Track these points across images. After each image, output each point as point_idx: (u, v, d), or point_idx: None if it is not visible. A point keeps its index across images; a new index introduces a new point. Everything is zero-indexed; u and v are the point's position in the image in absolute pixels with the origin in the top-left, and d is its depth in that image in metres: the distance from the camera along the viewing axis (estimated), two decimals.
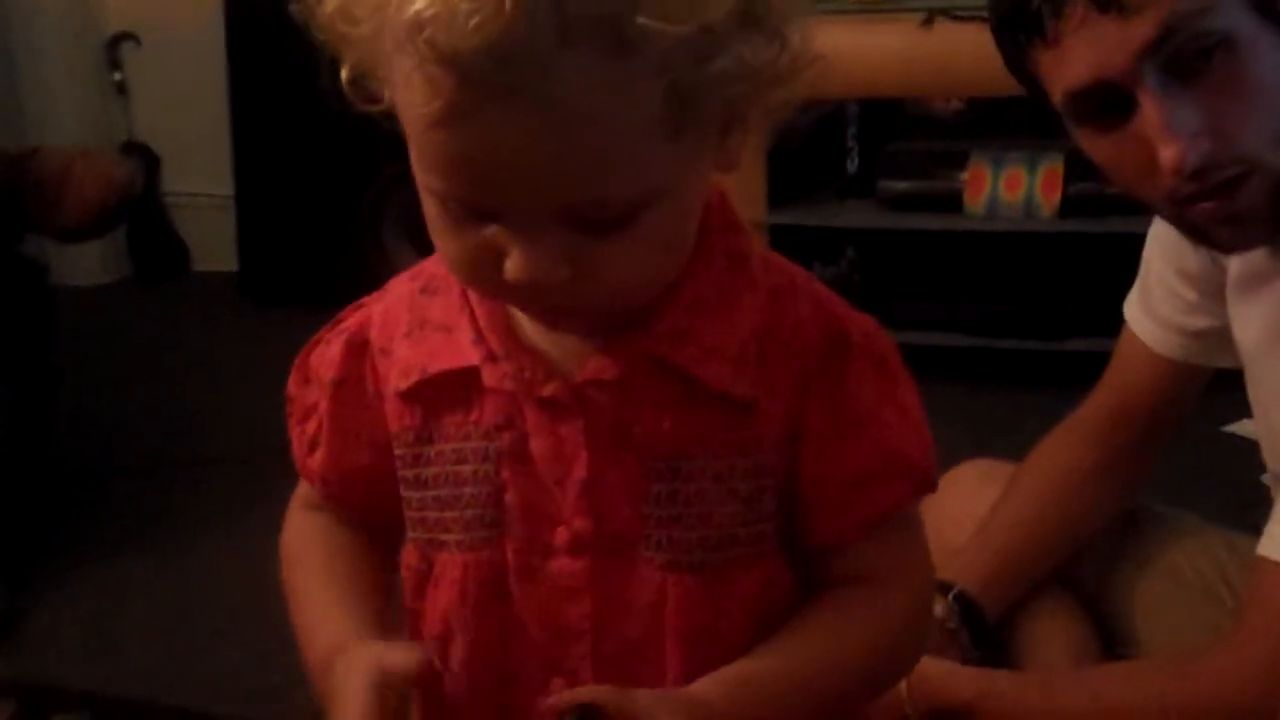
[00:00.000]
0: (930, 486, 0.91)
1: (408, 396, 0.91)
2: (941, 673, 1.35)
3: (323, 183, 3.59)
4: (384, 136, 2.68)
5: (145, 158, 3.92)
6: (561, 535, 0.88)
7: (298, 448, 0.99)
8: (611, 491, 0.87)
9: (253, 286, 3.85)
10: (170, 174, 4.00)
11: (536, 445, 0.87)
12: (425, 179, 0.79)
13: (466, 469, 0.89)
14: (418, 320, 0.92)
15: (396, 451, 0.93)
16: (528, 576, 0.89)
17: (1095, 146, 1.20)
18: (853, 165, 3.44)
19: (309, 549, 1.01)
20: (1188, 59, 1.11)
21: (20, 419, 2.68)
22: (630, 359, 0.86)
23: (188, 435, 2.97)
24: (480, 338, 0.88)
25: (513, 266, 0.78)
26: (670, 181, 0.78)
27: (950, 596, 1.43)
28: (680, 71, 0.74)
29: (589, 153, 0.74)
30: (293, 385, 0.98)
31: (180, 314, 3.86)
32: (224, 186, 3.90)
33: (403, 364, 0.91)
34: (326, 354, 0.96)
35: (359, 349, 0.94)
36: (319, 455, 0.97)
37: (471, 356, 0.88)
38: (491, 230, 0.78)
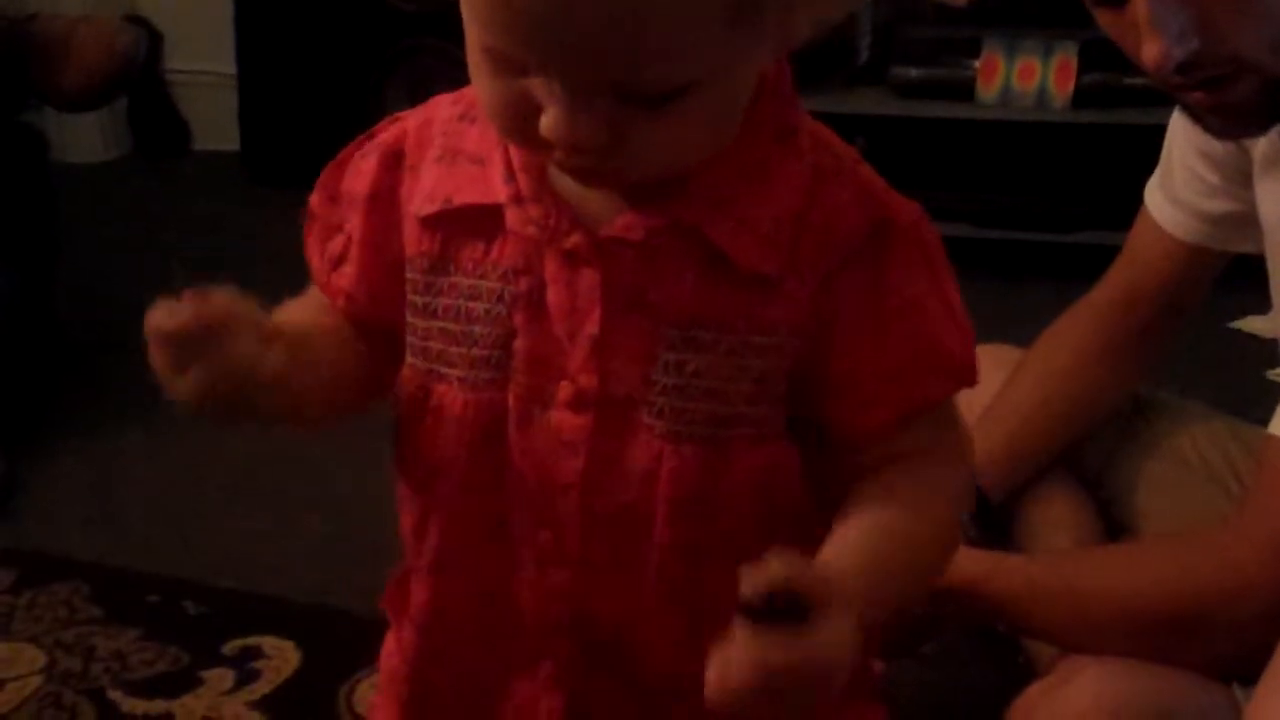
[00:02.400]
0: (971, 380, 0.89)
1: (428, 223, 0.89)
2: None
3: (326, 62, 3.56)
4: (389, 14, 2.69)
5: (148, 32, 3.87)
6: (565, 389, 0.86)
7: (318, 265, 0.95)
8: (621, 352, 0.85)
9: (254, 166, 3.82)
10: (172, 51, 3.93)
11: (553, 295, 0.86)
12: (471, 26, 0.77)
13: (479, 306, 0.88)
14: (451, 147, 0.89)
15: (408, 275, 0.91)
16: (526, 424, 0.87)
17: (1104, 22, 1.18)
18: (864, 52, 3.40)
19: (304, 304, 0.97)
20: None
21: (20, 290, 2.67)
22: (660, 221, 0.83)
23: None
24: (511, 176, 0.86)
25: (549, 124, 0.76)
26: (723, 65, 0.76)
27: None
28: None
29: (647, 27, 0.71)
30: (316, 201, 0.95)
31: (181, 192, 3.83)
32: (226, 65, 3.86)
33: (428, 189, 0.89)
34: (361, 167, 0.93)
35: (394, 161, 0.92)
36: (347, 271, 0.94)
37: (499, 194, 0.86)
38: (533, 82, 0.76)
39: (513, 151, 0.86)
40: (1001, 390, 1.49)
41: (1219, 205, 1.38)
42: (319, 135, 3.57)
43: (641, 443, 0.86)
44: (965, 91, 2.93)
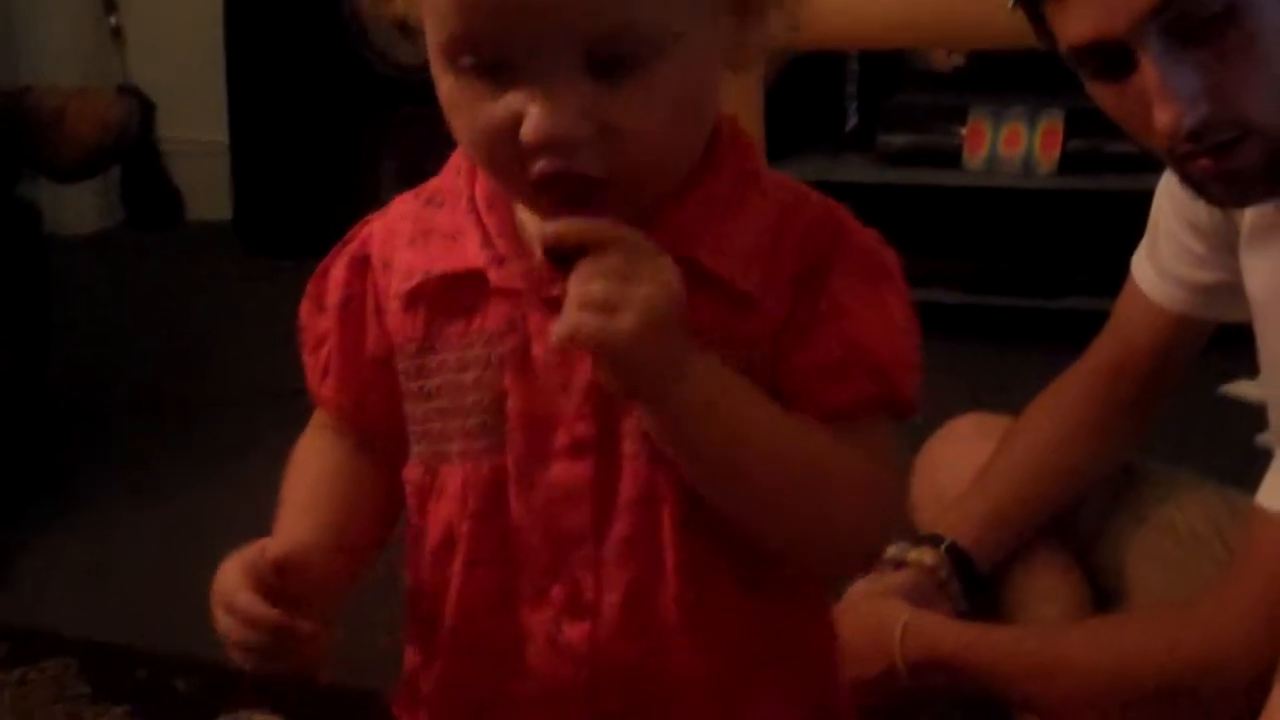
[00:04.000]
0: (900, 399, 0.88)
1: (410, 303, 0.91)
2: (933, 623, 1.36)
3: (318, 131, 3.58)
4: (381, 83, 2.71)
5: (140, 103, 3.89)
6: (563, 438, 0.87)
7: (311, 376, 0.98)
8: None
9: (247, 234, 3.84)
10: (165, 120, 3.95)
11: (539, 349, 0.87)
12: (443, 40, 0.80)
13: (469, 377, 0.89)
14: (422, 230, 0.92)
15: (400, 366, 0.92)
16: (527, 483, 0.89)
17: (1100, 96, 1.20)
18: (852, 119, 3.43)
19: (306, 461, 1.00)
20: (1191, 23, 1.10)
21: (12, 363, 2.67)
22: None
23: (181, 381, 2.97)
24: (488, 242, 0.88)
25: (531, 126, 0.78)
26: (686, 29, 0.80)
27: (943, 548, 1.43)
28: None
29: None
30: (305, 313, 0.98)
31: (174, 261, 3.84)
32: (219, 133, 3.88)
33: (405, 268, 0.92)
34: (333, 275, 0.95)
35: (361, 266, 0.94)
36: (330, 381, 0.96)
37: (478, 259, 0.88)
38: (510, 96, 0.79)
39: (487, 221, 0.89)
40: (990, 459, 1.50)
41: (1206, 275, 1.39)
42: (312, 204, 3.63)
43: (632, 472, 0.87)
44: (952, 158, 2.96)
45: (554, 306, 0.84)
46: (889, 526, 0.95)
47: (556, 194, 0.81)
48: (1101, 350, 1.51)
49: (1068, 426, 1.50)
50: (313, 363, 0.97)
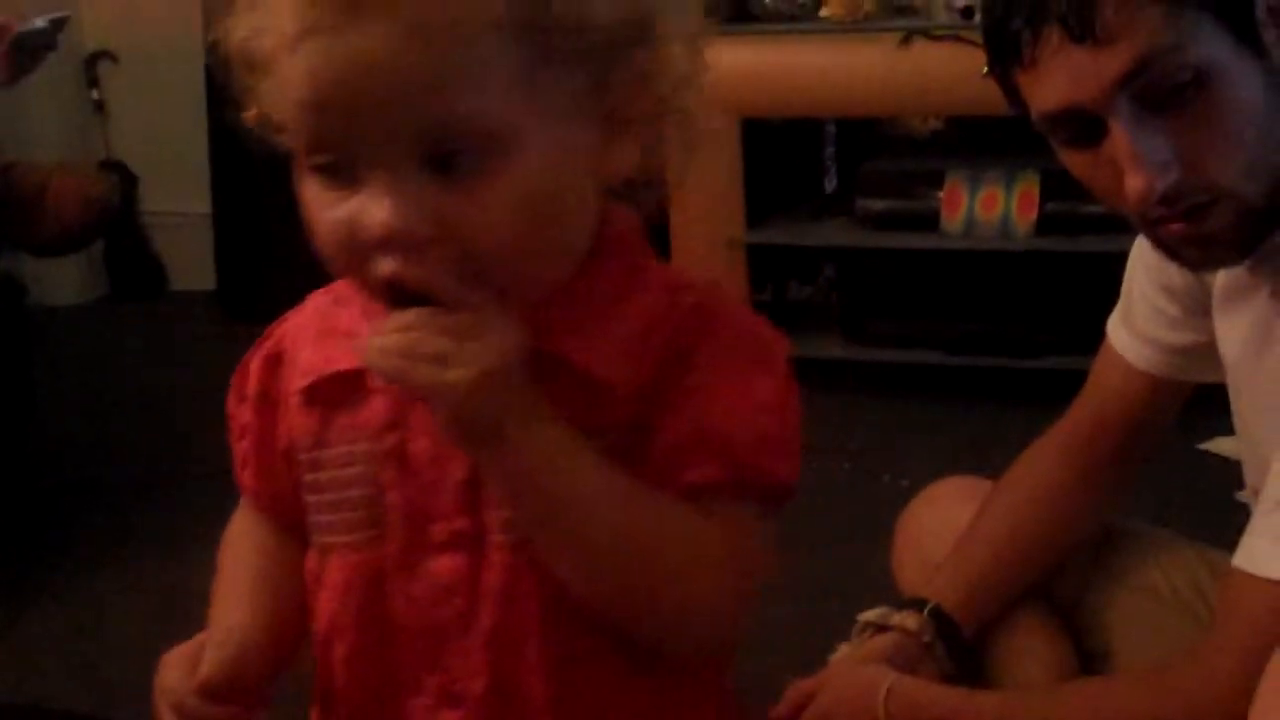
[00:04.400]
0: (762, 483, 0.88)
1: (307, 399, 0.94)
2: (918, 687, 1.36)
3: (300, 202, 3.59)
4: None
5: (123, 176, 3.91)
6: (440, 532, 0.89)
7: (235, 463, 1.01)
8: (488, 488, 0.88)
9: (230, 305, 3.85)
10: (148, 192, 3.99)
11: (417, 446, 0.89)
12: (296, 142, 0.82)
13: (353, 472, 0.92)
14: (327, 327, 0.95)
15: (300, 458, 0.95)
16: (406, 576, 0.91)
17: (1071, 162, 1.22)
18: (830, 184, 3.45)
19: (240, 542, 1.03)
20: (1161, 91, 1.12)
21: None
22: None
23: (165, 453, 2.96)
24: None
25: (369, 223, 0.79)
26: (525, 128, 0.80)
27: (926, 612, 1.44)
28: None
29: (437, 60, 0.77)
30: (230, 404, 1.01)
31: (158, 332, 3.84)
32: (202, 205, 3.90)
33: (305, 366, 0.94)
34: (251, 368, 0.98)
35: (274, 362, 0.97)
36: (249, 470, 1.00)
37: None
38: (356, 198, 0.80)
39: (349, 318, 0.92)
40: (971, 523, 1.50)
41: (1181, 337, 1.40)
42: (293, 274, 3.61)
43: (500, 564, 0.89)
44: (930, 222, 2.98)
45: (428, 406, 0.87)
46: (741, 613, 0.90)
47: (402, 298, 0.81)
48: (1079, 413, 1.52)
49: (1047, 489, 1.50)
50: (236, 451, 1.00)
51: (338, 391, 0.92)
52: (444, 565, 0.90)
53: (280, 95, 0.82)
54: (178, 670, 0.93)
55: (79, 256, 3.61)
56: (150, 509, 2.67)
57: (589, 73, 0.83)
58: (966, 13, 2.80)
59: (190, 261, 3.96)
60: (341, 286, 0.94)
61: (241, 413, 0.99)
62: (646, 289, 0.90)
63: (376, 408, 0.91)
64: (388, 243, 0.79)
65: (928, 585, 1.47)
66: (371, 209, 0.79)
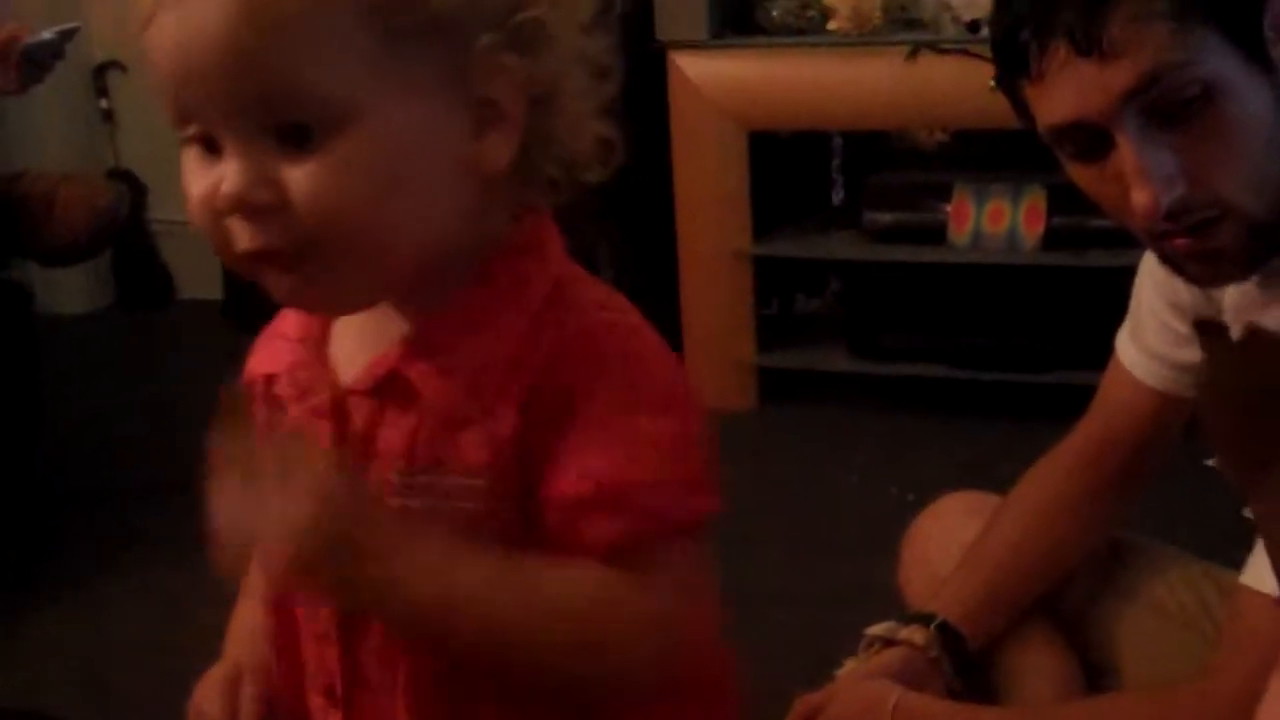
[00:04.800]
0: (673, 523, 0.86)
1: (257, 400, 0.96)
2: (924, 703, 1.36)
3: None
4: None
5: (131, 185, 3.92)
6: None
7: None
8: None
9: (237, 315, 3.85)
10: (156, 202, 3.99)
11: None
12: (168, 113, 0.83)
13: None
14: (274, 329, 0.97)
15: None
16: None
17: (1078, 176, 1.22)
18: (837, 197, 3.45)
19: None
20: (1168, 106, 1.12)
21: (3, 443, 2.68)
22: (381, 370, 0.88)
23: (170, 461, 2.95)
24: (295, 347, 0.94)
25: (225, 189, 0.81)
26: (370, 102, 0.81)
27: (933, 627, 1.44)
28: None
29: (271, 31, 0.78)
30: None
31: (164, 341, 3.86)
32: None
33: (250, 368, 0.98)
34: None
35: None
36: None
37: (281, 364, 0.94)
38: (217, 168, 0.81)
39: (295, 322, 0.94)
40: (978, 538, 1.50)
41: (1189, 353, 1.40)
42: None
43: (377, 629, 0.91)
44: (937, 235, 2.98)
45: (317, 414, 0.90)
46: (671, 654, 0.89)
47: (261, 265, 0.84)
48: (1086, 428, 1.52)
49: (1054, 504, 1.50)
50: None
51: (267, 393, 0.95)
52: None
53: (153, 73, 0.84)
54: (219, 700, 0.97)
55: (87, 265, 3.61)
56: (154, 516, 2.65)
57: (446, 52, 0.83)
58: (973, 26, 2.80)
59: (198, 271, 3.96)
60: None
61: None
62: (521, 309, 0.87)
63: (290, 413, 0.93)
64: (234, 210, 0.81)
65: (934, 599, 1.47)
66: (224, 177, 0.81)
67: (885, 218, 3.04)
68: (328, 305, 0.89)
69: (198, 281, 3.99)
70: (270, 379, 0.95)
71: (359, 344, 0.91)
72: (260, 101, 0.79)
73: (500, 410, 0.85)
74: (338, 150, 0.80)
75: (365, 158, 0.81)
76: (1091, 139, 1.16)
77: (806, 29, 3.01)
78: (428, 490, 0.87)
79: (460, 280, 0.88)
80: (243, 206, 0.81)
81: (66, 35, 2.64)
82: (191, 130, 0.83)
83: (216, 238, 0.84)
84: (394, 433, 0.88)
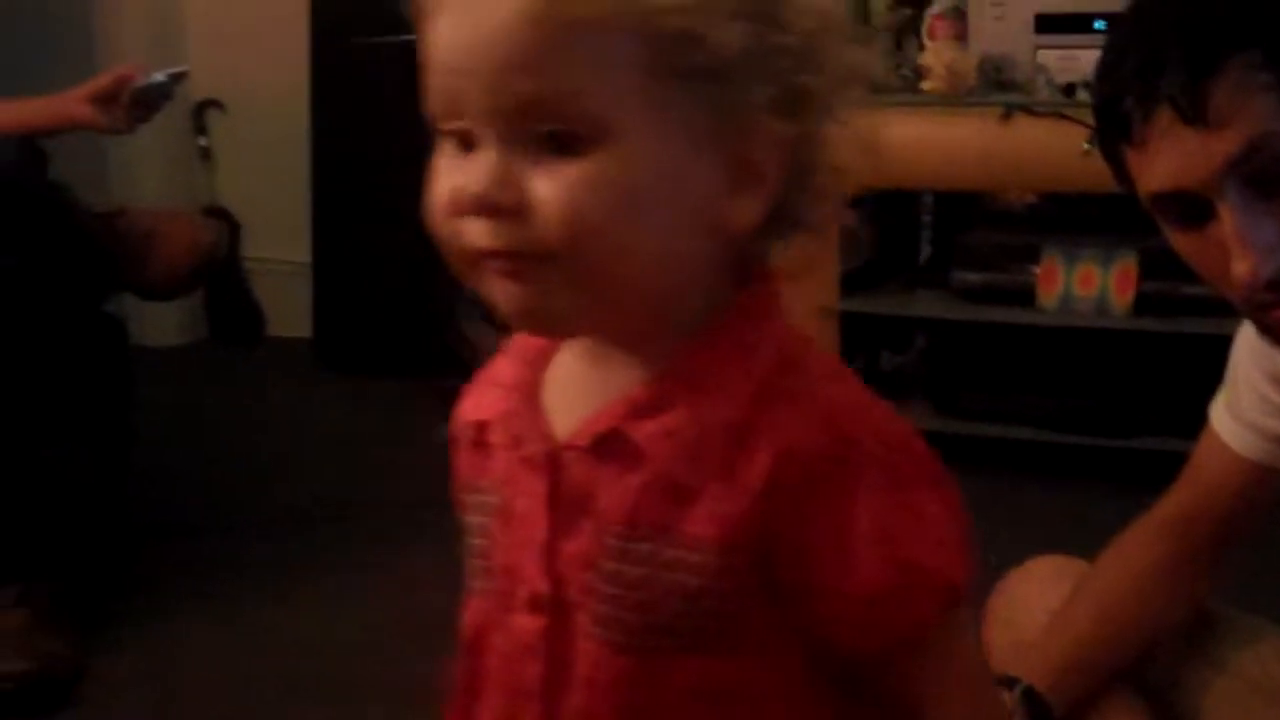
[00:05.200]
0: (956, 598, 0.87)
1: (461, 444, 0.96)
2: None
3: (400, 254, 3.62)
4: None
5: (228, 224, 3.98)
6: (523, 591, 0.90)
7: None
8: (567, 559, 0.88)
9: (326, 353, 3.90)
10: (250, 239, 4.05)
11: (519, 504, 0.91)
12: (430, 107, 0.84)
13: (479, 520, 0.94)
14: (487, 376, 0.97)
15: (459, 497, 0.98)
16: (498, 629, 0.92)
17: (1177, 243, 1.22)
18: (924, 254, 3.45)
19: None
20: (1271, 176, 1.12)
21: (94, 473, 2.72)
22: (603, 427, 0.87)
23: (252, 497, 3.00)
24: (508, 395, 0.93)
25: (470, 185, 0.81)
26: (634, 128, 0.81)
27: (1018, 691, 1.43)
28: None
29: (553, 35, 0.79)
30: None
31: (253, 377, 3.90)
32: (302, 254, 3.96)
33: (462, 415, 0.97)
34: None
35: (461, 404, 0.99)
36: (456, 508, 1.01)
37: (494, 410, 0.94)
38: (465, 165, 0.82)
39: (519, 371, 0.93)
40: (1066, 603, 1.49)
41: None
42: (390, 326, 3.68)
43: (584, 650, 0.88)
44: (1026, 297, 2.97)
45: (530, 465, 0.89)
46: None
47: (486, 270, 0.83)
48: (1178, 497, 1.51)
49: (1143, 573, 1.49)
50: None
51: (477, 439, 0.95)
52: (523, 624, 0.90)
53: (426, 66, 0.85)
54: None
55: (180, 299, 3.68)
56: (236, 552, 2.69)
57: (713, 103, 0.83)
58: (1069, 90, 2.80)
59: (288, 309, 4.02)
60: (516, 338, 0.96)
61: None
62: (749, 373, 0.86)
63: (499, 461, 0.93)
64: (478, 208, 0.81)
65: (1019, 664, 1.46)
66: (472, 174, 0.82)
67: (974, 277, 3.04)
68: (549, 321, 0.87)
69: (288, 319, 4.03)
70: (481, 425, 0.94)
71: (576, 397, 0.89)
72: (535, 103, 0.80)
73: (734, 484, 0.83)
74: (594, 165, 0.80)
75: (617, 179, 0.81)
76: (1192, 207, 1.16)
77: (901, 88, 3.01)
78: (648, 559, 0.85)
79: (685, 340, 0.87)
80: (487, 205, 0.81)
81: (176, 78, 2.70)
82: (452, 125, 0.83)
83: (452, 236, 0.84)
84: (614, 494, 0.86)
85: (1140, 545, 1.51)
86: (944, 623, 0.87)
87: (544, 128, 0.80)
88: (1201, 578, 1.51)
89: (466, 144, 0.83)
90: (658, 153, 0.82)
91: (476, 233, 0.82)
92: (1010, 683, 1.44)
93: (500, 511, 0.92)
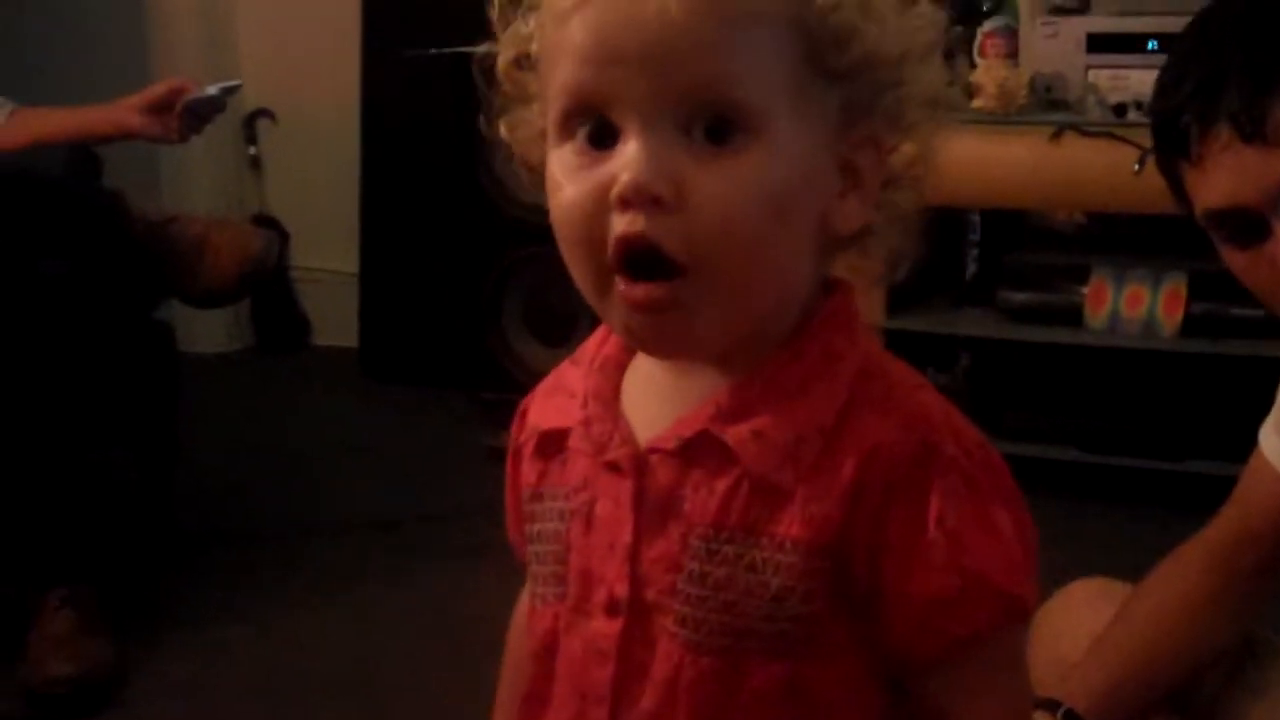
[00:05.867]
0: (1022, 613, 0.88)
1: (530, 452, 0.96)
2: None
3: (446, 266, 3.65)
4: (507, 223, 2.76)
5: (277, 233, 4.02)
6: (600, 595, 0.90)
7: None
8: (652, 561, 0.88)
9: (371, 363, 3.91)
10: (298, 248, 4.08)
11: (601, 508, 0.91)
12: (561, 107, 0.84)
13: (551, 526, 0.94)
14: (555, 385, 0.97)
15: (524, 508, 0.97)
16: (571, 634, 0.92)
17: (1232, 260, 1.21)
18: (970, 272, 3.44)
19: (511, 637, 1.06)
20: None
21: (139, 477, 2.74)
22: (692, 431, 0.87)
23: (297, 506, 3.01)
24: (585, 403, 0.93)
25: (624, 175, 0.80)
26: (781, 122, 0.81)
27: (1059, 714, 1.42)
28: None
29: (717, 25, 0.79)
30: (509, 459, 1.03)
31: (299, 385, 3.92)
32: (349, 264, 3.98)
33: (533, 420, 0.97)
34: (512, 425, 1.01)
35: (522, 415, 0.99)
36: (509, 521, 1.01)
37: (571, 419, 0.93)
38: (610, 163, 0.81)
39: (594, 380, 0.93)
40: (1109, 627, 1.48)
41: None
42: (435, 336, 3.69)
43: (665, 651, 0.88)
44: (1073, 317, 2.95)
45: (614, 470, 0.89)
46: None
47: (631, 264, 0.82)
48: (1225, 521, 1.49)
49: (1188, 598, 1.48)
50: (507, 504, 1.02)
51: (550, 447, 0.95)
52: (599, 629, 0.90)
53: (549, 74, 0.84)
54: None
55: (227, 307, 3.71)
56: (278, 561, 2.69)
57: (841, 102, 0.84)
58: (1120, 110, 2.78)
59: (335, 318, 4.04)
60: (581, 348, 0.96)
61: (508, 465, 1.01)
62: (836, 379, 0.87)
63: (576, 467, 0.93)
64: (631, 198, 0.80)
65: (1061, 687, 1.45)
66: (625, 164, 0.81)
67: (1020, 297, 3.02)
68: (680, 336, 0.86)
69: (334, 328, 4.06)
70: (556, 434, 0.94)
71: (657, 404, 0.90)
72: (698, 89, 0.80)
73: (824, 486, 0.85)
74: (750, 156, 0.81)
75: (770, 172, 0.81)
76: (1248, 224, 1.15)
77: (951, 106, 3.00)
78: (735, 560, 0.86)
79: (772, 347, 0.87)
80: (644, 195, 0.80)
81: (229, 91, 2.73)
82: (587, 121, 0.83)
83: (592, 237, 0.83)
84: (703, 495, 0.87)
85: (1186, 569, 1.50)
86: (998, 639, 0.88)
87: (703, 115, 0.81)
88: (1247, 604, 1.50)
89: (600, 139, 0.83)
90: (799, 149, 0.83)
91: (625, 222, 0.81)
92: (1052, 705, 1.43)
93: (579, 516, 0.92)
